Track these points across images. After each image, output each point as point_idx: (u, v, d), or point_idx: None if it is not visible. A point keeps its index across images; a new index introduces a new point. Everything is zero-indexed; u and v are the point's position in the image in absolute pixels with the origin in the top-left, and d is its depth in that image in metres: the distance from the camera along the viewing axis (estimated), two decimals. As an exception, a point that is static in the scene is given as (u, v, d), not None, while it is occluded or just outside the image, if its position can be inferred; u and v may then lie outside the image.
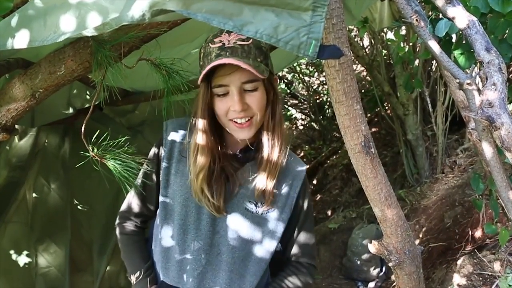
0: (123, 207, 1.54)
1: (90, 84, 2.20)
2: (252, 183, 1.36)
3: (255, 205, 1.38)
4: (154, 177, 1.45)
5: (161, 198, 1.42)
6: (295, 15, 0.79)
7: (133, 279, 1.48)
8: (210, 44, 1.23)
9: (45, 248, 2.61)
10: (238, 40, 1.20)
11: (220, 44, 1.21)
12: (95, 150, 1.28)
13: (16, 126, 1.49)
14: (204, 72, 1.20)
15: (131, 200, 1.51)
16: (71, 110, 2.54)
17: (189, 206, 1.38)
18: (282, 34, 0.79)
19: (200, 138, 1.31)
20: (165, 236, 1.42)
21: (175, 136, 1.42)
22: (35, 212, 2.61)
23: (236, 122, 1.28)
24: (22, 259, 2.55)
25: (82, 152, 1.28)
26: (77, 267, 2.75)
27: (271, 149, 1.33)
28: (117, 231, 1.53)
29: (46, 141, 2.72)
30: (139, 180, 1.46)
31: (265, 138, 1.33)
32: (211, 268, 1.39)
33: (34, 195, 2.63)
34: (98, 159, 1.28)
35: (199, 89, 1.30)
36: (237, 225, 1.38)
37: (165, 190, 1.41)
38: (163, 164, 1.41)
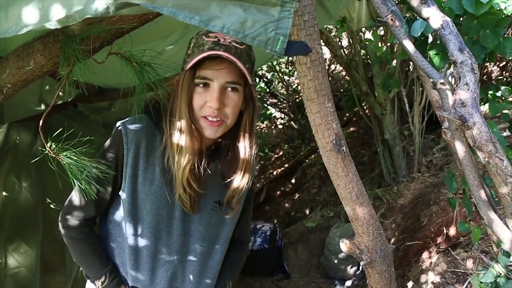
0: (69, 205, 1.40)
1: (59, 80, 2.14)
2: (221, 183, 1.37)
3: (219, 203, 1.42)
4: (110, 181, 1.35)
5: (126, 205, 1.36)
6: (263, 10, 0.77)
7: (98, 284, 1.42)
8: (204, 36, 1.21)
9: (15, 248, 2.54)
10: (233, 42, 1.20)
11: (216, 39, 1.19)
12: (52, 146, 1.24)
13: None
14: (196, 59, 1.18)
15: (81, 201, 1.37)
16: (43, 107, 2.46)
17: (161, 214, 1.35)
18: (250, 29, 0.77)
19: (181, 137, 1.26)
20: (135, 240, 1.38)
21: (139, 139, 1.32)
22: (5, 211, 2.54)
23: (208, 119, 1.25)
24: (-10, 260, 2.49)
25: (40, 148, 1.24)
26: (49, 267, 2.69)
27: (246, 154, 1.33)
28: (64, 232, 1.41)
29: (18, 138, 2.64)
30: (93, 182, 1.30)
31: (241, 144, 1.33)
32: (181, 266, 1.44)
33: (4, 193, 2.55)
34: (54, 155, 1.24)
35: (181, 80, 1.25)
36: (204, 223, 1.42)
37: (131, 199, 1.35)
38: (128, 171, 1.32)
